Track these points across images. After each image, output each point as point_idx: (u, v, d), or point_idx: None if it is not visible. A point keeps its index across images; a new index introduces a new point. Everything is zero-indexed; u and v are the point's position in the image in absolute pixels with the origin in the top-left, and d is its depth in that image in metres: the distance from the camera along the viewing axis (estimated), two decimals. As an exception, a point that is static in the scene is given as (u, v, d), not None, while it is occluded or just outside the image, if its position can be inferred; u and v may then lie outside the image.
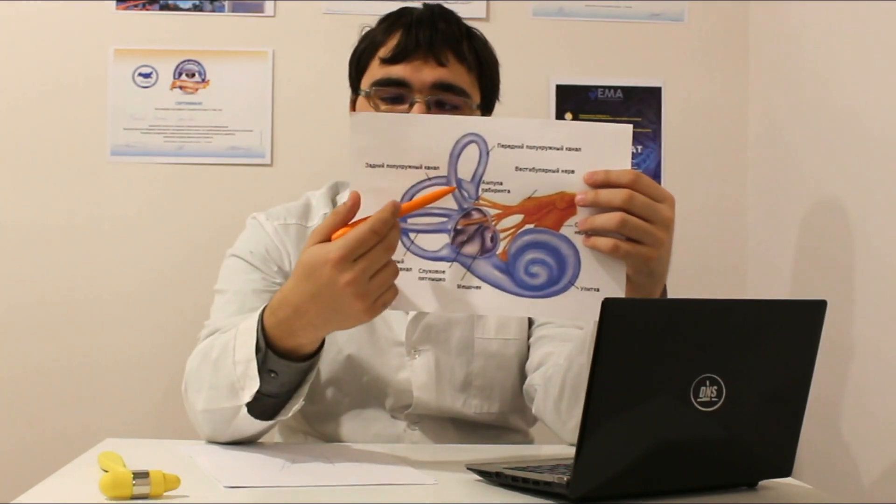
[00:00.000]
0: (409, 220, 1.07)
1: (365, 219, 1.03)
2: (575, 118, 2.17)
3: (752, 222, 2.18)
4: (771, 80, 2.10)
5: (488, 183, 1.07)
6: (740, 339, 0.99)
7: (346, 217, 1.05)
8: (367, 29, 1.44)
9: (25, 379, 2.09)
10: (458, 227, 1.08)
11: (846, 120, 1.75)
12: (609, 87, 2.19)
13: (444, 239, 1.08)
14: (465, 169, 1.07)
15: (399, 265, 1.07)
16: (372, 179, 1.06)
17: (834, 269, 1.77)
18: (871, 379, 1.66)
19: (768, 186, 2.10)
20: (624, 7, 2.20)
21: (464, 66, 1.37)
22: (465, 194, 1.07)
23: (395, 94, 1.35)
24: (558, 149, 1.06)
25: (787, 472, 1.07)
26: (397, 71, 1.35)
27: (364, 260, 1.02)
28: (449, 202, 1.07)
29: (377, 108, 1.36)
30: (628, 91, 2.19)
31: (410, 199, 1.07)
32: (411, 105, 1.34)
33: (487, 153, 1.07)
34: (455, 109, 1.35)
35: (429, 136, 1.07)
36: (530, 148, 1.07)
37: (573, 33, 2.19)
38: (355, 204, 1.05)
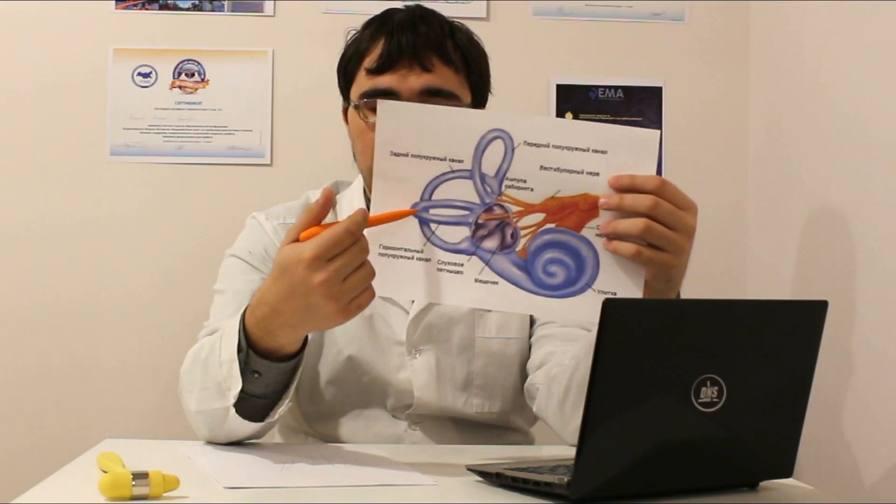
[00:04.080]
0: (432, 212, 1.07)
1: (333, 223, 1.03)
2: (575, 118, 2.17)
3: (752, 222, 2.18)
4: (772, 80, 2.10)
5: (512, 180, 1.07)
6: (741, 340, 0.98)
7: (318, 214, 1.05)
8: (352, 33, 1.43)
9: (25, 379, 2.09)
10: (480, 221, 1.07)
11: (847, 120, 1.75)
12: (609, 87, 2.19)
13: (465, 232, 1.08)
14: (490, 164, 1.07)
15: (419, 255, 1.07)
16: (395, 168, 1.06)
17: (834, 270, 1.77)
18: (871, 380, 1.65)
19: (769, 187, 2.10)
20: (625, 7, 2.20)
21: (450, 69, 1.36)
22: (488, 189, 1.07)
23: None
24: (584, 150, 1.06)
25: (787, 472, 1.07)
26: (384, 81, 1.35)
27: (338, 260, 1.02)
28: (472, 196, 1.07)
29: (367, 119, 1.35)
30: (629, 91, 2.19)
31: (433, 190, 1.07)
32: None
33: (513, 150, 1.06)
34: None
35: (455, 128, 1.06)
36: (556, 147, 1.06)
37: (573, 33, 2.19)
38: (328, 200, 1.05)
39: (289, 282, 1.04)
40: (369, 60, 1.36)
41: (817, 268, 1.87)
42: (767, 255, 2.09)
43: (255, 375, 1.14)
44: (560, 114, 2.17)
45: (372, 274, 1.05)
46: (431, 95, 1.34)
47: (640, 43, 2.20)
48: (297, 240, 1.05)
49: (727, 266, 2.19)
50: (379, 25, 1.39)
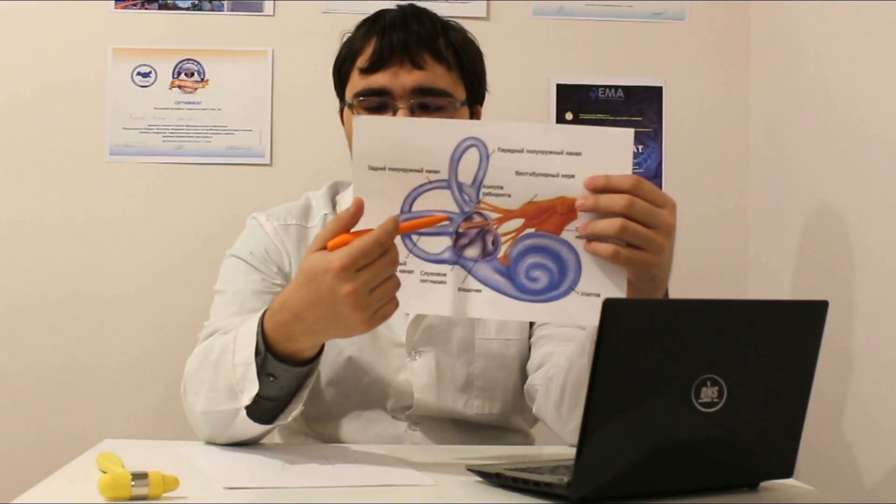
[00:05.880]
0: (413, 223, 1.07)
1: (364, 231, 1.03)
2: (575, 118, 2.17)
3: (752, 222, 2.18)
4: (772, 79, 2.10)
5: (489, 187, 1.07)
6: (742, 340, 0.98)
7: (348, 223, 1.05)
8: (347, 35, 1.44)
9: (24, 379, 2.09)
10: (460, 230, 1.07)
11: (847, 120, 1.75)
12: (610, 87, 2.19)
13: (446, 242, 1.08)
14: (466, 173, 1.07)
15: (401, 267, 1.06)
16: (374, 182, 1.06)
17: (834, 270, 1.77)
18: (872, 380, 1.65)
19: (769, 187, 2.10)
20: (625, 6, 2.19)
21: (442, 66, 1.36)
22: (466, 198, 1.07)
23: (377, 104, 1.35)
24: (559, 153, 1.06)
25: (788, 473, 1.07)
26: (376, 80, 1.35)
27: (367, 272, 1.02)
28: (450, 205, 1.07)
29: None
30: (629, 90, 2.19)
31: (412, 202, 1.07)
32: (394, 112, 1.33)
33: (487, 157, 1.06)
34: (440, 110, 1.35)
35: (430, 139, 1.06)
36: (531, 152, 1.06)
37: (573, 33, 2.19)
38: (358, 210, 1.05)
39: (315, 290, 1.04)
40: (362, 60, 1.37)
41: (817, 268, 1.87)
42: (767, 255, 2.09)
43: (270, 379, 1.14)
44: (560, 114, 2.17)
45: (398, 285, 1.05)
46: (424, 94, 1.34)
47: (640, 43, 2.20)
48: (324, 247, 1.04)
49: (727, 266, 2.19)
50: (371, 25, 1.39)
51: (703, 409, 0.96)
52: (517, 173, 1.06)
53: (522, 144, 1.06)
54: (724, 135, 2.21)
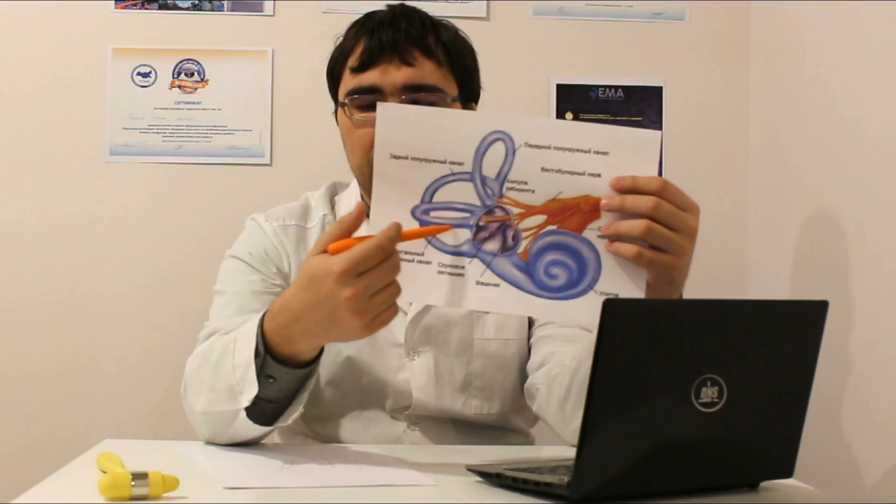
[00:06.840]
0: (432, 214, 1.07)
1: (367, 237, 1.02)
2: (575, 118, 2.17)
3: (752, 223, 2.18)
4: (772, 79, 2.10)
5: (513, 182, 1.06)
6: (742, 340, 0.98)
7: (350, 227, 1.05)
8: (339, 39, 1.44)
9: (24, 379, 2.09)
10: (481, 223, 1.07)
11: (847, 121, 1.75)
12: (610, 87, 2.19)
13: (466, 234, 1.07)
14: (491, 166, 1.06)
15: (419, 258, 1.06)
16: (395, 171, 1.06)
17: (833, 270, 1.77)
18: (871, 380, 1.65)
19: (769, 187, 2.10)
20: (625, 6, 2.19)
21: (432, 62, 1.37)
22: (489, 192, 1.07)
23: (369, 101, 1.35)
24: (586, 151, 1.05)
25: (788, 472, 1.07)
26: (367, 78, 1.36)
27: (367, 277, 1.02)
28: (472, 198, 1.07)
29: (352, 117, 1.36)
30: (629, 90, 2.19)
31: (433, 193, 1.06)
32: None
33: (514, 152, 1.06)
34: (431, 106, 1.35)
35: (455, 130, 1.06)
36: (558, 149, 1.05)
37: (573, 33, 2.19)
38: (360, 214, 1.05)
39: (315, 293, 1.04)
40: (352, 59, 1.38)
41: (817, 268, 1.87)
42: (767, 256, 2.09)
43: (270, 380, 1.14)
44: (560, 114, 2.17)
45: (398, 291, 1.04)
46: (414, 90, 1.35)
47: (640, 43, 2.20)
48: (325, 251, 1.04)
49: (727, 266, 2.19)
50: (361, 25, 1.40)
51: (703, 409, 0.96)
52: (543, 169, 1.06)
53: (550, 141, 1.05)
54: (725, 134, 2.21)
